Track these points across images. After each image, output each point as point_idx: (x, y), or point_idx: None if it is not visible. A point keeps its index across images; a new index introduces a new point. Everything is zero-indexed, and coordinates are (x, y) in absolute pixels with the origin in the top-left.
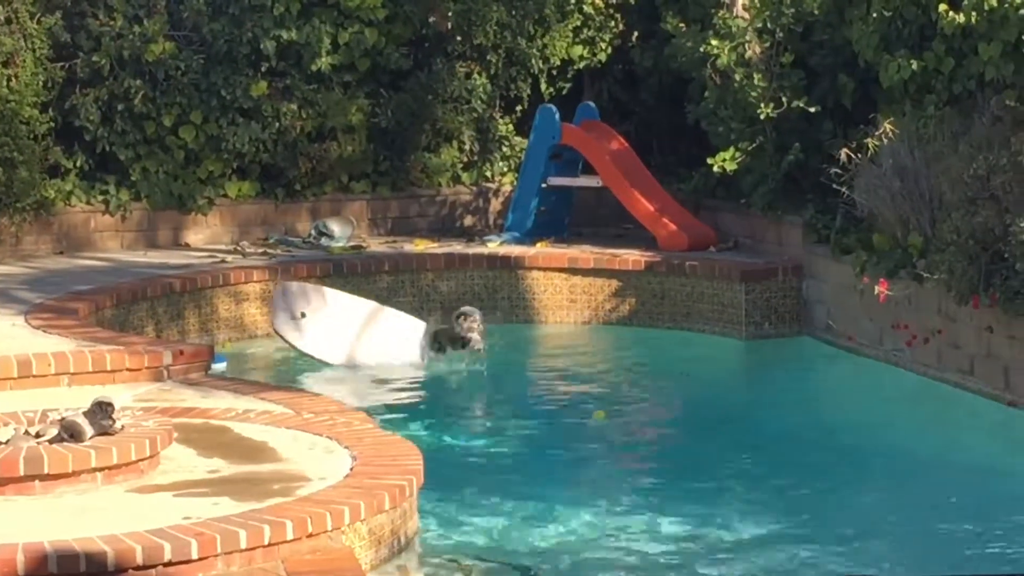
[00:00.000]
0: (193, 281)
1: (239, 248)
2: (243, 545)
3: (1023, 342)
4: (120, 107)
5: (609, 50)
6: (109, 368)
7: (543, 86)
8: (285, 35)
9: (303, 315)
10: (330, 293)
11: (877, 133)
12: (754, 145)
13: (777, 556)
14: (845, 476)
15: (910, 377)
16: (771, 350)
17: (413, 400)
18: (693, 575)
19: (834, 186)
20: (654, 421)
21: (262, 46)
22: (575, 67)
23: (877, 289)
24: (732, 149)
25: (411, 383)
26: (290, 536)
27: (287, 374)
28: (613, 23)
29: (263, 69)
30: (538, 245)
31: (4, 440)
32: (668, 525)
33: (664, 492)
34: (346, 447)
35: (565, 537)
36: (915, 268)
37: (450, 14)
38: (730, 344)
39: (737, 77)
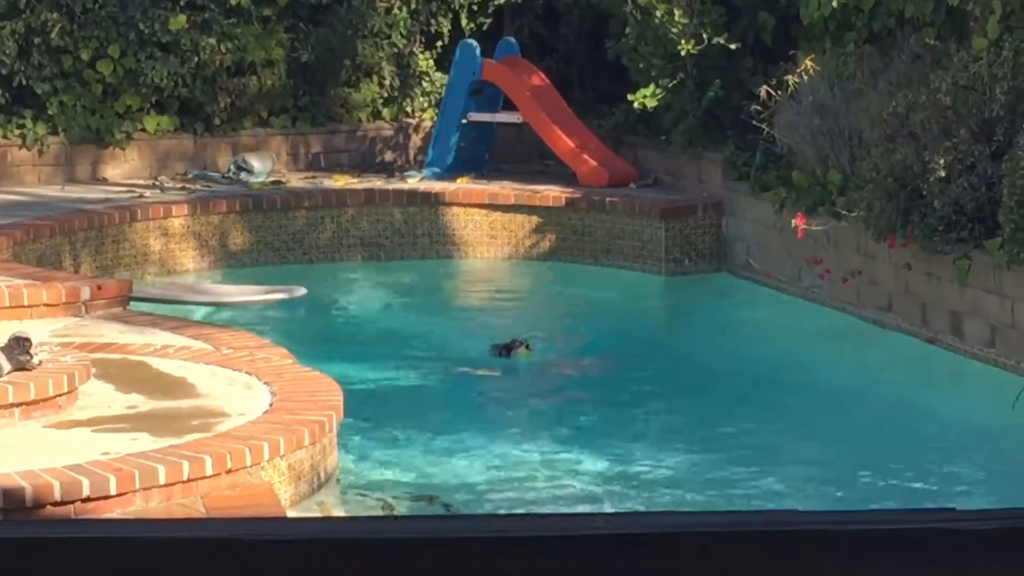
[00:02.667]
0: (112, 216)
1: (158, 183)
2: (162, 481)
3: (941, 279)
4: (37, 40)
5: None
6: (26, 303)
7: (464, 21)
8: None
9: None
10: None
11: (797, 70)
12: (674, 82)
13: (696, 490)
14: (763, 412)
15: (829, 314)
16: (691, 287)
17: (333, 335)
18: (614, 507)
19: (754, 123)
20: (574, 357)
21: None
22: (495, 2)
23: (794, 223)
24: (652, 86)
25: (332, 319)
26: (209, 472)
27: (207, 310)
28: None
29: (182, 3)
30: (458, 181)
31: None
32: (588, 459)
33: (585, 427)
34: (265, 383)
35: (487, 472)
36: (834, 205)
37: None
38: (650, 280)
39: (658, 13)
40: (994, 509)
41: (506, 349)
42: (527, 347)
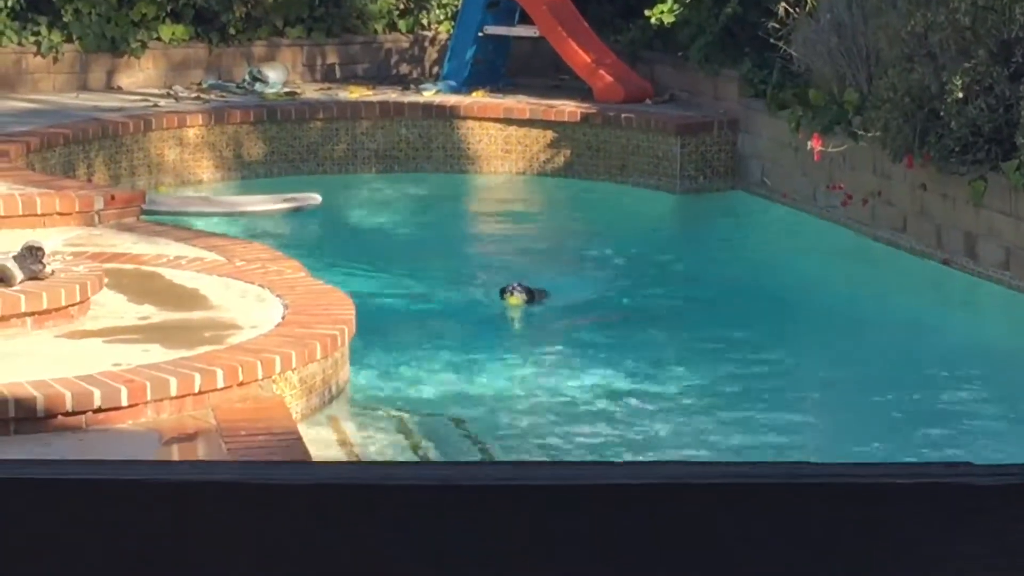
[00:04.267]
0: (127, 125)
1: (172, 92)
2: (173, 393)
3: (956, 200)
4: None
5: None
6: (39, 212)
7: None
8: None
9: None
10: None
11: None
12: None
13: (707, 413)
14: (775, 331)
15: (843, 233)
16: (705, 204)
17: (346, 249)
18: (622, 427)
19: (772, 40)
20: (588, 275)
21: None
22: None
23: (810, 146)
24: (670, 1)
25: (345, 232)
26: (221, 384)
27: (221, 221)
28: None
29: None
30: (474, 94)
31: None
32: (601, 378)
33: (597, 346)
34: (278, 295)
35: (498, 389)
36: (850, 125)
37: None
38: (664, 198)
39: None
40: (1011, 464)
41: (501, 291)
42: (512, 293)
